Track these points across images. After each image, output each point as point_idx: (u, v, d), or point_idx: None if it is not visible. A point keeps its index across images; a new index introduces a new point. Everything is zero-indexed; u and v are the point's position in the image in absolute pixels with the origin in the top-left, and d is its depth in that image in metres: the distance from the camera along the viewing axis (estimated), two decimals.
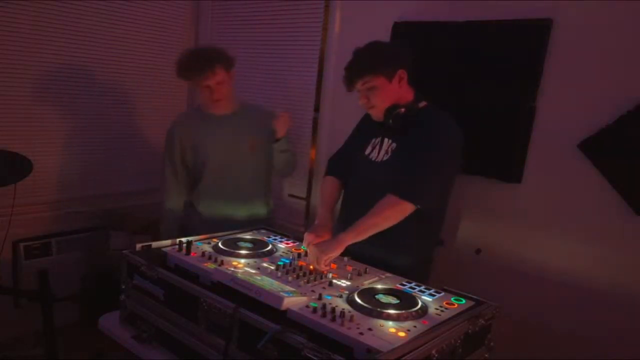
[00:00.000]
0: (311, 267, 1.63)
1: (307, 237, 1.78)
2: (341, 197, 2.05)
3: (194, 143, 2.29)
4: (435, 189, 1.78)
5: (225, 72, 2.19)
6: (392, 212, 1.72)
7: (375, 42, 1.90)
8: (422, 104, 1.88)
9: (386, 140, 1.89)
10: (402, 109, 1.81)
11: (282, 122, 2.22)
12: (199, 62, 2.15)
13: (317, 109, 2.84)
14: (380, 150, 1.89)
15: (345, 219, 1.95)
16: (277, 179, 2.75)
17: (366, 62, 1.82)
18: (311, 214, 2.91)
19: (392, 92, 1.83)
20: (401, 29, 2.37)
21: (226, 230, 1.97)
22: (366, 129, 2.01)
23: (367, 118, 2.07)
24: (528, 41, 2.02)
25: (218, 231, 1.93)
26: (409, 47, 1.93)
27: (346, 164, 2.03)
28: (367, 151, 1.93)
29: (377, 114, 1.87)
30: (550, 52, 1.98)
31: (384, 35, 2.38)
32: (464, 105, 2.13)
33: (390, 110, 1.83)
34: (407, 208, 1.72)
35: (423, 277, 1.79)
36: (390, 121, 1.83)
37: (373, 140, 1.94)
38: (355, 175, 1.98)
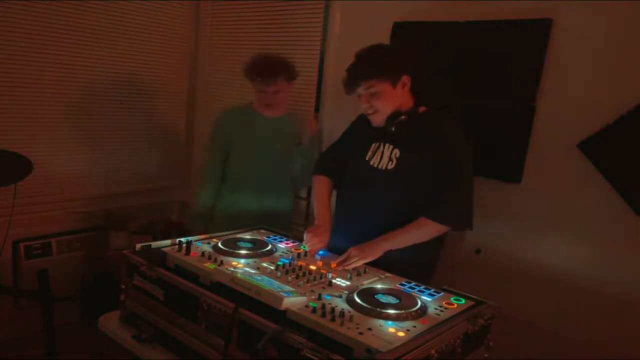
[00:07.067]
0: (333, 264, 1.65)
1: (307, 236, 1.78)
2: (336, 199, 2.05)
3: (236, 135, 2.46)
4: (472, 208, 1.81)
5: (286, 83, 2.41)
6: (430, 232, 1.78)
7: (379, 45, 1.84)
8: (422, 108, 1.86)
9: (387, 145, 1.85)
10: (404, 117, 1.78)
11: (309, 128, 2.40)
12: (265, 71, 2.35)
13: (317, 109, 2.84)
14: (382, 156, 1.85)
15: (345, 224, 1.93)
16: None
17: (371, 66, 1.76)
18: (311, 214, 2.90)
19: (396, 97, 1.79)
20: (401, 29, 2.37)
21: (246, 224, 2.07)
22: (362, 133, 1.95)
23: (360, 120, 2.02)
24: (528, 41, 2.02)
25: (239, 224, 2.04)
26: (413, 50, 1.91)
27: (338, 164, 2.02)
28: (368, 157, 1.89)
29: (379, 120, 1.82)
30: (550, 52, 1.98)
31: (384, 35, 2.38)
32: (464, 105, 2.12)
33: (392, 118, 1.78)
34: (444, 229, 1.78)
35: (426, 278, 1.78)
36: (393, 129, 1.79)
37: (373, 145, 1.89)
38: (355, 180, 1.94)
